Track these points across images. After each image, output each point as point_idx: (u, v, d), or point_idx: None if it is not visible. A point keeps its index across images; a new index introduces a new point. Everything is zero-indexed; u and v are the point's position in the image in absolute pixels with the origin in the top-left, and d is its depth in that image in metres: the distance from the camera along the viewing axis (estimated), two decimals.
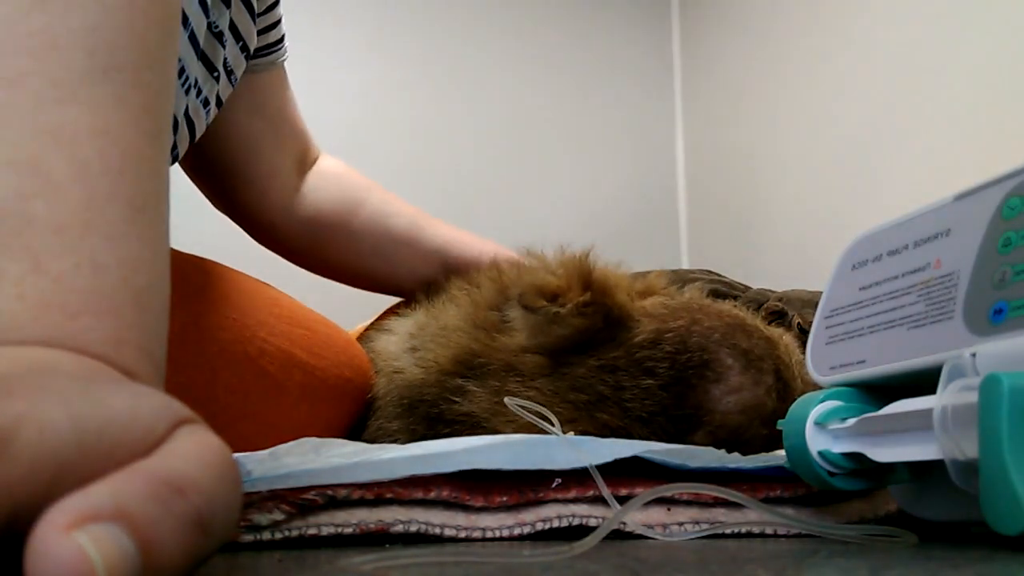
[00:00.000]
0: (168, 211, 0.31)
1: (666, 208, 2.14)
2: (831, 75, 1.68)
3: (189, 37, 0.55)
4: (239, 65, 0.64)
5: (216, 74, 0.61)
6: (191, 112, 0.60)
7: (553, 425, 0.45)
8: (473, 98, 1.96)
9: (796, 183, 1.77)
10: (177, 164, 0.77)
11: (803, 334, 0.75)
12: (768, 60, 1.86)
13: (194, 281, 0.60)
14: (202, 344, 0.57)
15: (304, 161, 0.80)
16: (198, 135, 0.63)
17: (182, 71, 0.55)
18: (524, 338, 0.60)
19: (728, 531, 0.37)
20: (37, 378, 0.21)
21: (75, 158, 0.27)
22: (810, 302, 0.84)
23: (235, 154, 0.74)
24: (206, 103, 0.61)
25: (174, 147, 0.61)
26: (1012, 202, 0.30)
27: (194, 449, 0.21)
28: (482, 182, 1.88)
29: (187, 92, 0.57)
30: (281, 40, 0.72)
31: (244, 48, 0.64)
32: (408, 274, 0.81)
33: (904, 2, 1.51)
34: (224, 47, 0.60)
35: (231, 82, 0.64)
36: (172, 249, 0.62)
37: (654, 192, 2.13)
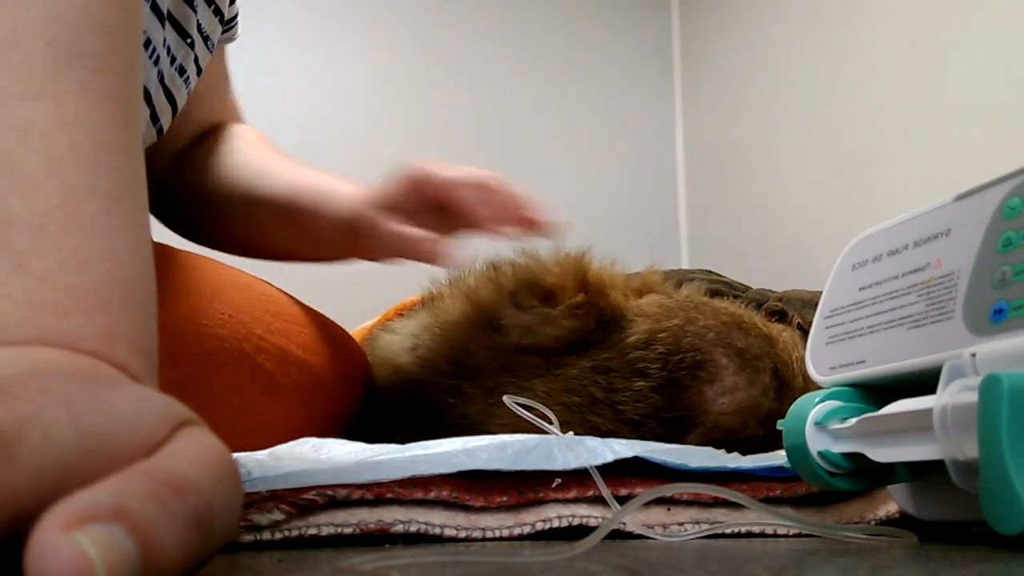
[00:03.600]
0: (146, 198, 0.30)
1: (666, 208, 2.14)
2: (831, 75, 1.68)
3: (151, 7, 0.54)
4: (214, 29, 0.63)
5: (190, 40, 0.59)
6: (167, 81, 0.59)
7: (552, 424, 0.45)
8: (472, 97, 1.96)
9: (796, 183, 1.77)
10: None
11: (803, 334, 0.75)
12: (768, 60, 1.85)
13: (189, 277, 0.60)
14: (198, 341, 0.57)
15: (214, 129, 0.74)
16: (180, 104, 0.62)
17: (148, 43, 0.54)
18: (516, 337, 0.60)
19: (728, 531, 0.37)
20: (39, 380, 0.21)
21: (47, 153, 0.26)
22: (810, 302, 0.84)
23: None
24: (182, 71, 0.60)
25: (156, 120, 0.60)
26: (1012, 202, 0.30)
27: (195, 450, 0.21)
28: None
29: (156, 63, 0.56)
30: (233, 19, 0.69)
31: (217, 11, 0.63)
32: (260, 236, 0.72)
33: (904, 3, 1.50)
34: (196, 11, 0.59)
35: (208, 48, 0.63)
36: (167, 245, 0.62)
37: (654, 192, 2.13)
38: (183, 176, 0.73)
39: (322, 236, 0.67)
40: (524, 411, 0.46)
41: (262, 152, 0.72)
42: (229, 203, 0.70)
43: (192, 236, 0.75)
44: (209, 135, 0.74)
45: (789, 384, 0.57)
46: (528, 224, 0.62)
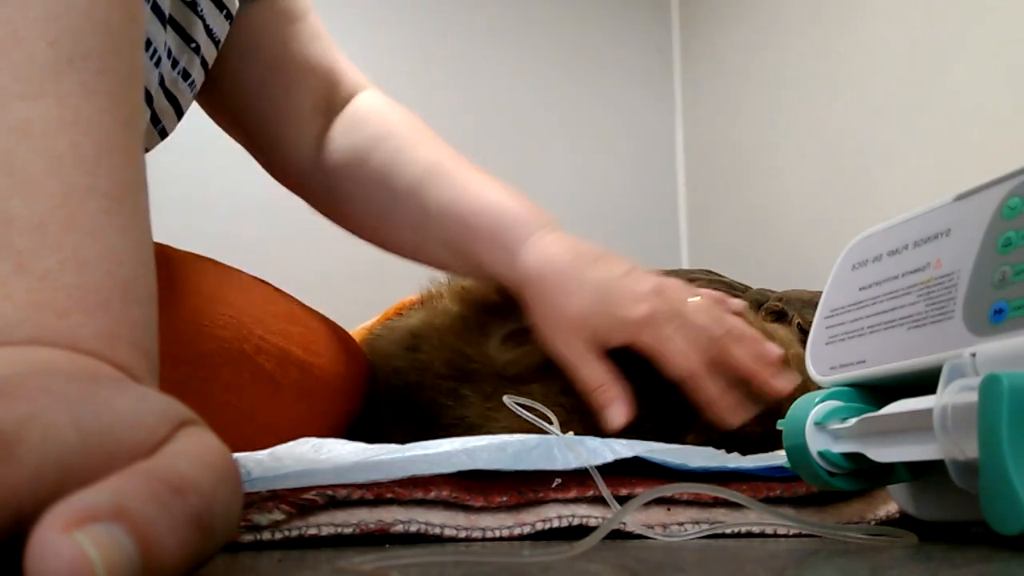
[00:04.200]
0: (147, 199, 0.30)
1: (666, 208, 2.14)
2: (831, 75, 1.68)
3: (152, 8, 0.53)
4: (224, 32, 0.61)
5: (194, 45, 0.58)
6: (168, 84, 0.58)
7: (552, 424, 0.45)
8: (472, 97, 1.96)
9: (796, 183, 1.77)
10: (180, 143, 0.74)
11: (803, 334, 0.75)
12: (768, 60, 1.85)
13: (190, 278, 0.60)
14: (199, 341, 0.57)
15: (331, 102, 0.70)
16: (185, 108, 0.61)
17: (148, 44, 0.53)
18: (502, 368, 0.61)
19: (728, 531, 0.37)
20: (39, 379, 0.21)
21: (48, 153, 0.27)
22: (810, 302, 0.84)
23: (240, 103, 0.68)
24: (186, 75, 0.59)
25: (158, 122, 0.60)
26: (1012, 202, 0.30)
27: (195, 450, 0.21)
28: None
29: (156, 64, 0.55)
30: None
31: (228, 16, 0.61)
32: (417, 242, 0.67)
33: (904, 3, 1.50)
34: (203, 18, 0.58)
35: (218, 49, 0.61)
36: (168, 246, 0.62)
37: (654, 192, 2.13)
38: (334, 162, 0.68)
39: (491, 275, 0.63)
40: (524, 411, 0.46)
41: (438, 152, 0.67)
42: (396, 207, 0.66)
43: (348, 228, 0.72)
44: (330, 125, 0.70)
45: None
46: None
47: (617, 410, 0.55)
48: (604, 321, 0.56)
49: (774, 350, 0.56)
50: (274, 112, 0.68)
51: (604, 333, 0.56)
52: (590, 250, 0.60)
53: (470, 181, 0.65)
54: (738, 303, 0.61)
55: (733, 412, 0.55)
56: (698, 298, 0.57)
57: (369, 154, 0.67)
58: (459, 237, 0.63)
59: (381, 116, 0.70)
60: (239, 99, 0.68)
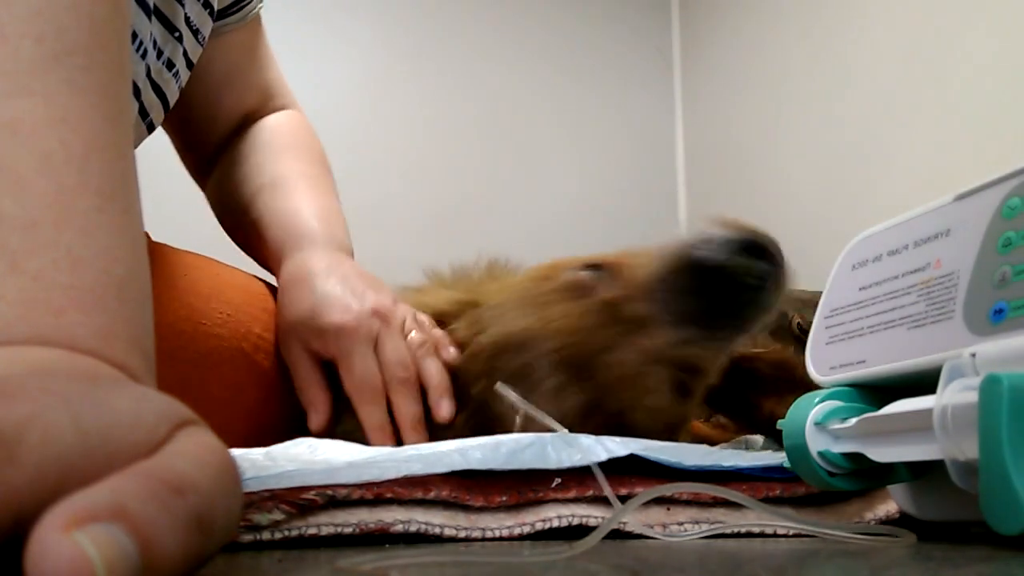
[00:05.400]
0: (138, 194, 0.30)
1: (666, 207, 2.14)
2: (831, 74, 1.68)
3: (137, 0, 0.53)
4: (204, 23, 0.62)
5: (178, 34, 0.59)
6: (154, 75, 0.59)
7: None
8: (472, 96, 1.95)
9: (796, 182, 1.77)
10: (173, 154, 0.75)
11: (803, 334, 0.75)
12: (768, 60, 1.86)
13: (187, 276, 0.60)
14: (197, 340, 0.57)
15: (252, 117, 0.75)
16: (171, 99, 0.62)
17: (134, 36, 0.54)
18: None
19: (728, 531, 0.37)
20: (39, 379, 0.21)
21: (37, 151, 0.26)
22: (810, 302, 0.84)
23: (182, 112, 0.70)
24: (170, 65, 0.60)
25: (146, 115, 0.60)
26: (1012, 202, 0.30)
27: (194, 450, 0.21)
28: (481, 181, 1.88)
29: (143, 57, 0.56)
30: (234, 4, 0.69)
31: (207, 5, 0.62)
32: (253, 249, 0.70)
33: (904, 2, 1.51)
34: (183, 5, 0.59)
35: (199, 42, 0.62)
36: (164, 244, 0.62)
37: (654, 191, 2.13)
38: (216, 177, 0.73)
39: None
40: (517, 397, 0.45)
41: (289, 169, 0.70)
42: (238, 214, 0.70)
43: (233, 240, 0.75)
44: (241, 132, 0.74)
45: (586, 360, 0.54)
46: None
47: (312, 415, 0.58)
48: (309, 328, 0.58)
49: (443, 412, 0.56)
50: (206, 123, 0.73)
51: (308, 340, 0.59)
52: (347, 270, 0.61)
53: (294, 198, 0.67)
54: (450, 354, 0.59)
55: (383, 438, 0.56)
56: (414, 336, 0.58)
57: (239, 162, 0.71)
58: (264, 247, 0.66)
59: (272, 132, 0.73)
60: (182, 108, 0.70)
